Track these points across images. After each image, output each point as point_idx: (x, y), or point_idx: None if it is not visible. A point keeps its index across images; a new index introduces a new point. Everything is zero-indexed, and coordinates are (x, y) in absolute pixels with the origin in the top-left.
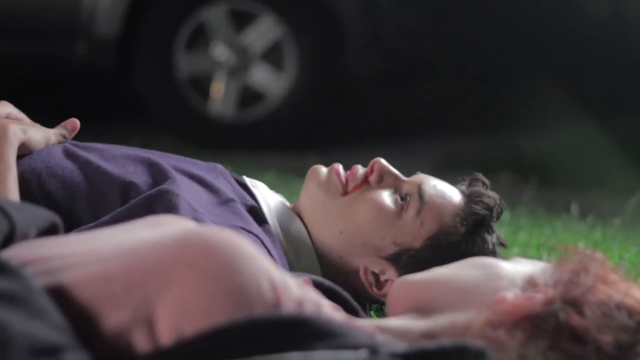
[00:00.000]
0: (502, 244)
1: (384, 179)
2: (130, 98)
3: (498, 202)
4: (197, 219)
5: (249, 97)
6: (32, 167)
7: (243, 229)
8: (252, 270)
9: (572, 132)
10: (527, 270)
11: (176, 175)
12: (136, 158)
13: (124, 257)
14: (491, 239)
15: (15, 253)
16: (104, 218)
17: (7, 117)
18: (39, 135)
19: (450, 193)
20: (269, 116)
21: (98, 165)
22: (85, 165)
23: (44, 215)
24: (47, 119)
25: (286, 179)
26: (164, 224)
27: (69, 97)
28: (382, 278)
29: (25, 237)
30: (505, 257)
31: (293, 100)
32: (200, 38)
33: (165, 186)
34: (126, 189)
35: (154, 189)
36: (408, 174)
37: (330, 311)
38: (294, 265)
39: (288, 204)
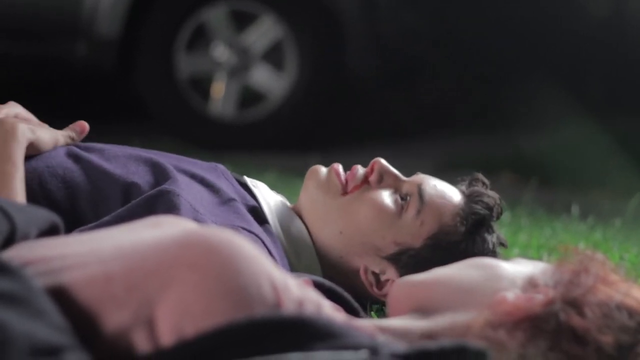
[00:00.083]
0: (502, 244)
1: (384, 179)
2: (131, 99)
3: (498, 201)
4: (198, 219)
5: (249, 97)
6: (33, 167)
7: (244, 228)
8: (252, 270)
9: (572, 132)
10: (527, 271)
11: (177, 175)
12: (138, 158)
13: (125, 258)
14: (491, 238)
15: (16, 253)
16: (105, 218)
17: (16, 117)
18: (48, 136)
19: (450, 193)
20: (269, 116)
21: (99, 165)
22: (86, 165)
23: (44, 215)
24: (47, 120)
25: (287, 179)
26: (164, 225)
27: (69, 97)
28: (383, 278)
29: (25, 237)
30: (506, 258)
31: (293, 100)
32: (200, 39)
33: (166, 186)
34: (128, 189)
35: (155, 189)
36: (408, 174)
37: (330, 311)
38: (294, 266)
39: (289, 204)
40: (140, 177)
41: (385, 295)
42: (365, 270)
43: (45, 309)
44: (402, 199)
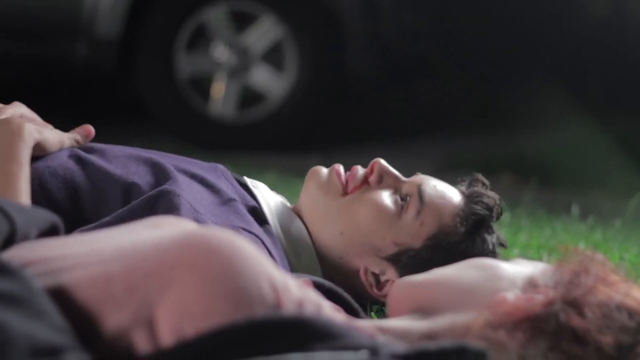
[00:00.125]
0: (502, 244)
1: (383, 180)
2: (131, 99)
3: (498, 202)
4: (198, 219)
5: (249, 97)
6: (33, 167)
7: (244, 229)
8: (252, 271)
9: (572, 132)
10: (527, 271)
11: (178, 176)
12: (138, 158)
13: (125, 258)
14: (491, 239)
15: (16, 254)
16: (106, 218)
17: (21, 117)
18: (54, 137)
19: (450, 193)
20: (269, 117)
21: (100, 165)
22: (87, 166)
23: (44, 216)
24: (47, 120)
25: (287, 180)
26: (164, 225)
27: (69, 97)
28: (383, 279)
29: (25, 238)
30: (506, 258)
31: (293, 100)
32: (200, 39)
33: (166, 186)
34: (128, 190)
35: (156, 190)
36: (408, 174)
37: (330, 312)
38: (294, 266)
39: (289, 204)
40: (141, 177)
41: (385, 296)
42: (365, 271)
43: (45, 309)
44: (402, 199)
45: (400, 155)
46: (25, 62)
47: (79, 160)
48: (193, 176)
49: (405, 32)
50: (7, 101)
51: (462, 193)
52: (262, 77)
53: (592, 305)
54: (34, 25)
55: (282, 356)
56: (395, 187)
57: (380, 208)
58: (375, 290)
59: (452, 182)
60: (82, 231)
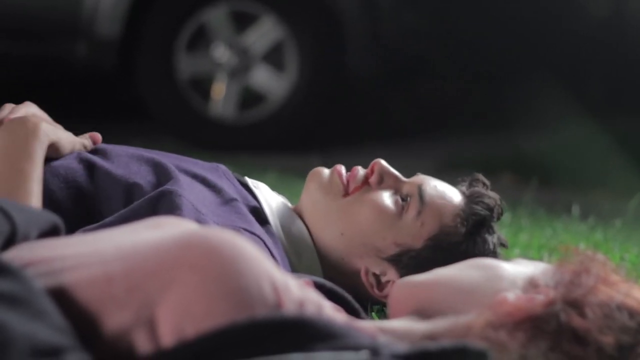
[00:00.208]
0: (502, 245)
1: (384, 180)
2: (131, 99)
3: (498, 202)
4: (199, 219)
5: (249, 98)
6: None
7: (246, 230)
8: (253, 271)
9: (573, 132)
10: (528, 271)
11: (179, 175)
12: (139, 158)
13: (126, 258)
14: (492, 239)
15: (17, 254)
16: (109, 218)
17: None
18: (68, 139)
19: (451, 194)
20: (270, 117)
21: (101, 165)
22: (88, 165)
23: (45, 216)
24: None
25: (287, 180)
26: (165, 225)
27: (69, 97)
28: (383, 279)
29: (26, 238)
30: (507, 258)
31: (294, 101)
32: (201, 39)
33: (168, 187)
34: (130, 189)
35: (158, 190)
36: (408, 174)
37: (331, 312)
38: (295, 266)
39: (290, 204)
40: (142, 177)
41: (386, 297)
42: (366, 272)
43: (46, 309)
44: (402, 199)
45: (400, 155)
46: (26, 62)
47: (80, 160)
48: (195, 176)
49: (405, 32)
50: (7, 101)
51: (463, 193)
52: (263, 78)
53: (592, 305)
54: (34, 25)
55: (283, 356)
56: (396, 188)
57: (381, 209)
58: (376, 290)
59: (453, 183)
60: (85, 231)
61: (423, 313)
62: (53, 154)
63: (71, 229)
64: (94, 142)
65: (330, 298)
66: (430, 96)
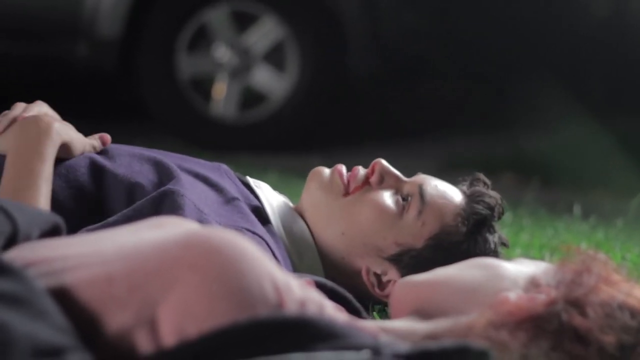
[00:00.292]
0: (504, 244)
1: (385, 180)
2: (132, 99)
3: (499, 201)
4: (202, 219)
5: (250, 98)
6: None
7: (248, 229)
8: (254, 271)
9: (573, 132)
10: (529, 271)
11: (181, 175)
12: (141, 157)
13: (127, 258)
14: (493, 238)
15: (18, 254)
16: (112, 218)
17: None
18: (79, 140)
19: (452, 193)
20: (270, 117)
21: (103, 165)
22: (90, 165)
23: (46, 216)
24: None
25: (288, 180)
26: (167, 225)
27: (70, 97)
28: (384, 279)
29: (27, 238)
30: (508, 258)
31: (295, 101)
32: (202, 39)
33: (170, 186)
34: (131, 189)
35: (160, 190)
36: (409, 174)
37: (332, 312)
38: (297, 266)
39: (291, 204)
40: (144, 176)
41: (387, 296)
42: (367, 271)
43: (47, 309)
44: (403, 199)
45: (400, 155)
46: (26, 62)
47: (82, 159)
48: (196, 175)
49: (405, 32)
50: (8, 101)
51: (464, 193)
52: (264, 78)
53: (594, 304)
54: (34, 25)
55: (284, 356)
56: (397, 187)
57: (382, 208)
58: (377, 290)
59: (454, 182)
60: (88, 231)
61: (424, 313)
62: (64, 154)
63: (73, 229)
64: (103, 144)
65: (331, 298)
66: (430, 96)
